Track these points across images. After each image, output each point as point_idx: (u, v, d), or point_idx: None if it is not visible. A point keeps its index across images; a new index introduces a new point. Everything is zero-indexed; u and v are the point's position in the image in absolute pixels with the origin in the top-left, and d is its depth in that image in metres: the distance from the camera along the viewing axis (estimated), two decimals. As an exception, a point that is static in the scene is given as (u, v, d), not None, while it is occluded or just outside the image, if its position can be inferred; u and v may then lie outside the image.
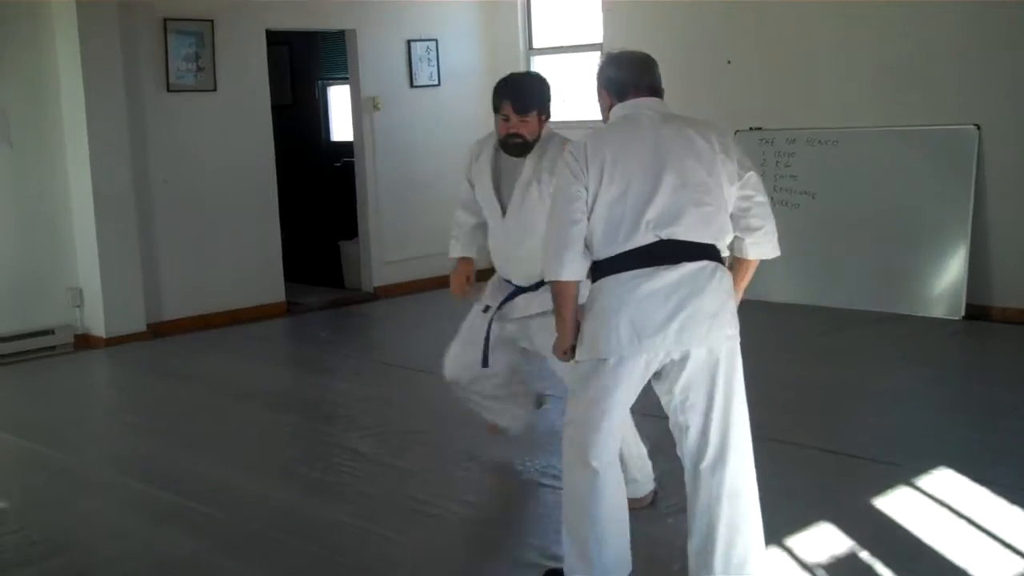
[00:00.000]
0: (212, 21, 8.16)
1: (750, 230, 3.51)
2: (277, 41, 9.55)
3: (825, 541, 3.95)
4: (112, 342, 7.64)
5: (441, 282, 9.07)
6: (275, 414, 6.09)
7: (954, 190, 7.46)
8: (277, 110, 8.97)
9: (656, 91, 3.52)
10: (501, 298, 4.38)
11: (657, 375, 3.39)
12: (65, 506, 4.69)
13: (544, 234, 3.42)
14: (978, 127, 7.36)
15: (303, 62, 11.19)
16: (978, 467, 4.60)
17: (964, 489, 4.40)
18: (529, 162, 4.30)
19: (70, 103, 7.55)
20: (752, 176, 3.50)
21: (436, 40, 9.60)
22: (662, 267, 3.25)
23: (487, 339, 4.34)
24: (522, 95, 4.28)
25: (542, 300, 4.11)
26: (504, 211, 4.34)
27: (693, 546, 3.44)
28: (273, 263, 8.70)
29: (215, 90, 8.24)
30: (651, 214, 3.25)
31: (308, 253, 10.01)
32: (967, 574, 3.68)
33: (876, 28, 7.75)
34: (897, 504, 4.27)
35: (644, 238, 3.25)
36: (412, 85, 9.48)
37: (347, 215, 9.60)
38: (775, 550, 3.87)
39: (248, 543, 4.21)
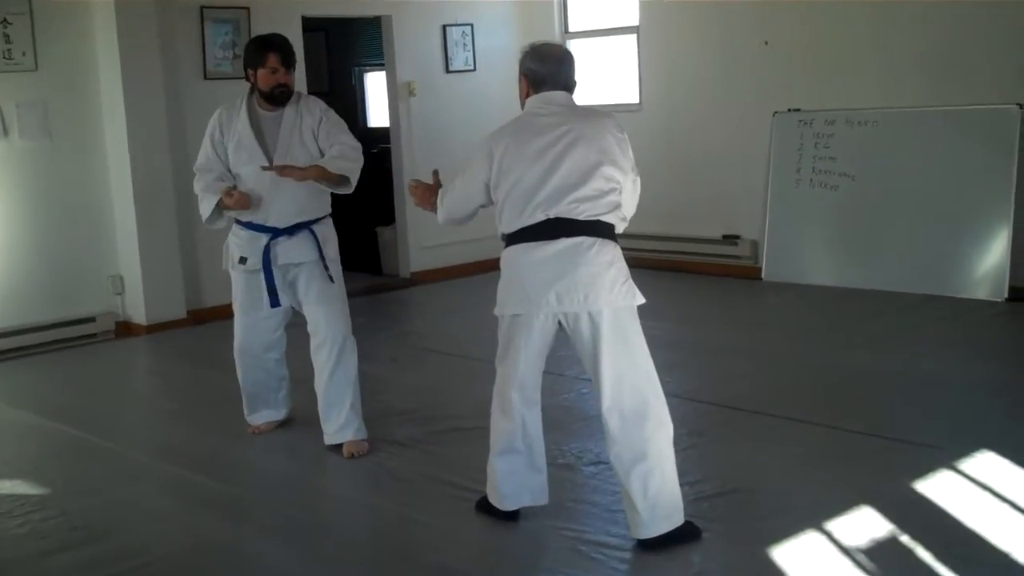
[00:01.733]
0: (248, 8, 8.19)
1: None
2: (313, 28, 9.56)
3: (866, 525, 3.91)
4: (152, 329, 7.70)
5: (478, 267, 9.10)
6: (311, 400, 6.10)
7: (996, 171, 7.36)
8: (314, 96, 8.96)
9: (568, 87, 3.93)
10: (257, 248, 4.93)
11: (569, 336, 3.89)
12: (106, 492, 4.73)
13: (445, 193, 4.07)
14: (1020, 106, 7.24)
15: (339, 48, 11.20)
16: (1022, 450, 4.54)
17: (1007, 473, 4.35)
18: (289, 110, 4.92)
19: (109, 93, 7.61)
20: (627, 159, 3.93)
21: (472, 25, 9.58)
22: (544, 242, 3.76)
23: (269, 278, 4.94)
24: (288, 50, 4.89)
25: (302, 248, 4.99)
26: (271, 158, 4.83)
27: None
28: (311, 249, 8.71)
29: (252, 77, 8.25)
30: (539, 197, 3.76)
31: (345, 239, 9.94)
32: (1010, 558, 3.63)
33: (916, 7, 7.64)
34: (940, 488, 4.22)
35: (533, 217, 3.77)
36: (448, 70, 9.47)
37: (384, 201, 9.61)
38: (816, 533, 3.84)
39: (287, 528, 4.23)
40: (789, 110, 8.30)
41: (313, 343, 5.06)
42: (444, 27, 9.44)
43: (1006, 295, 7.25)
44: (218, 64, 8.10)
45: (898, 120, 7.82)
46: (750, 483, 4.39)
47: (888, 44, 7.81)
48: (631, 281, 3.88)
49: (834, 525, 3.91)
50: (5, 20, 7.17)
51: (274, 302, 5.00)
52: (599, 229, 3.81)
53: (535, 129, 3.83)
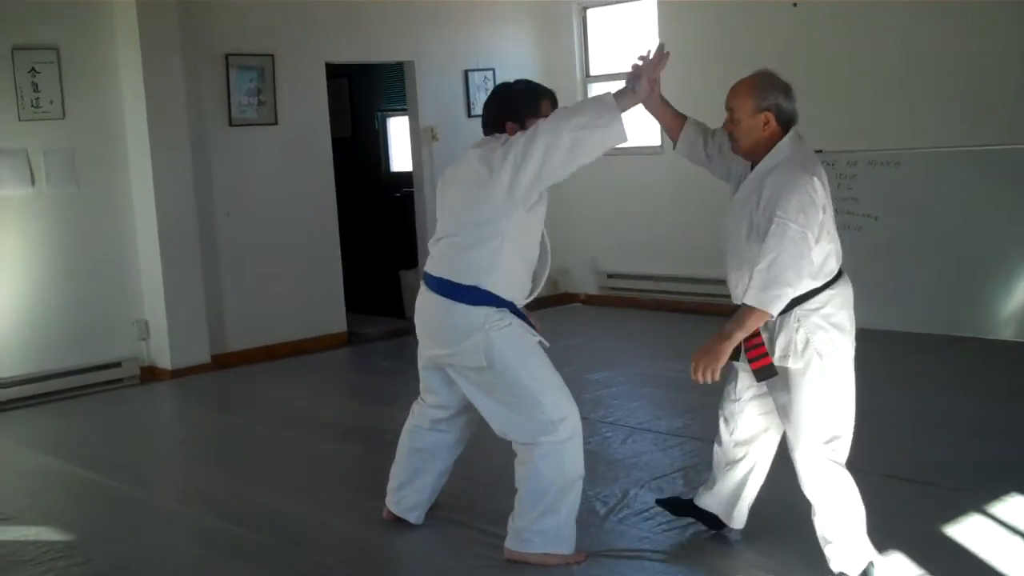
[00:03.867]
0: (273, 56, 8.28)
1: None
2: (337, 74, 9.66)
3: (894, 569, 3.87)
4: (177, 374, 7.74)
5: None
6: (337, 444, 6.11)
7: (1020, 211, 7.29)
8: (337, 142, 9.06)
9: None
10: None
11: None
12: (131, 539, 4.74)
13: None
14: (1045, 146, 7.22)
15: (362, 94, 11.31)
16: (1052, 493, 4.49)
17: (1038, 516, 4.30)
18: None
19: (135, 139, 7.70)
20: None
21: (493, 69, 9.65)
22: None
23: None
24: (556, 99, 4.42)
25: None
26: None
27: None
28: (334, 293, 8.77)
29: (276, 123, 8.35)
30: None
31: (369, 283, 10.08)
32: (1042, 604, 3.59)
33: (938, 48, 7.65)
34: (968, 531, 4.18)
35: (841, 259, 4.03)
36: (470, 115, 9.53)
37: (407, 245, 9.65)
38: (843, 580, 3.80)
39: (312, 574, 4.22)
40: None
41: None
42: (466, 72, 9.52)
43: (1033, 335, 7.20)
44: (243, 111, 8.18)
45: (921, 161, 7.80)
46: (775, 527, 4.35)
47: (911, 85, 7.82)
48: None
49: (862, 570, 3.86)
50: (33, 69, 7.27)
51: None
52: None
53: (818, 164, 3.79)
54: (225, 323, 8.13)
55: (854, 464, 4.97)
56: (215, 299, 8.06)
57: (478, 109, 9.50)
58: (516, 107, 4.19)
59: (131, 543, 4.68)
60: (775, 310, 3.63)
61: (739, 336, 3.69)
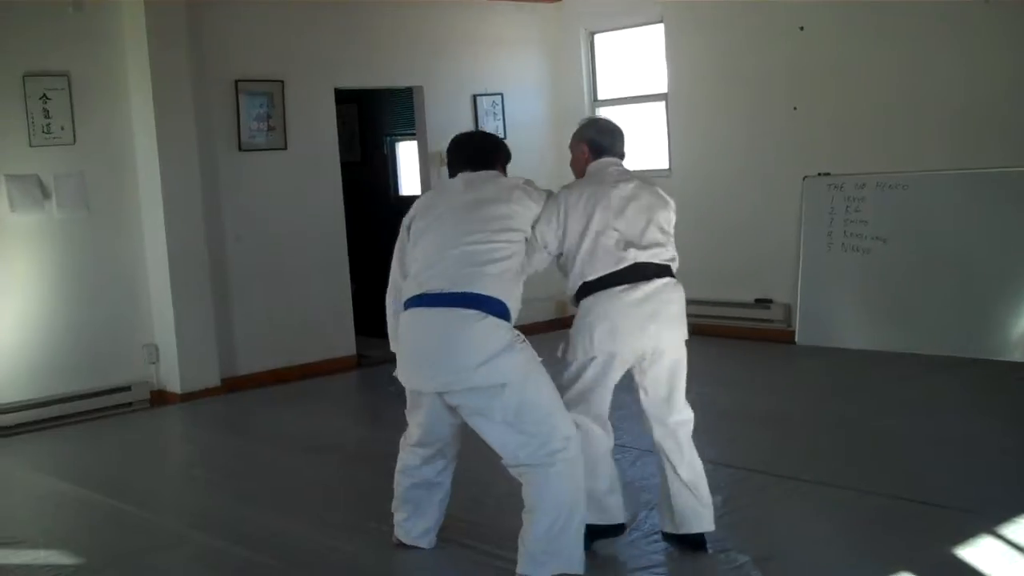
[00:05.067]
0: (282, 81, 8.33)
1: None
2: (346, 99, 9.71)
3: (905, 593, 3.86)
4: (187, 398, 7.75)
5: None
6: (346, 468, 6.11)
7: (1030, 232, 7.32)
8: (347, 166, 9.09)
9: (623, 156, 4.51)
10: None
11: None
12: (140, 562, 4.74)
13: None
14: (1053, 167, 7.23)
15: (372, 119, 11.35)
16: (1063, 515, 4.47)
17: (1049, 538, 4.28)
18: None
19: (145, 164, 7.74)
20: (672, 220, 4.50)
21: (502, 94, 9.70)
22: (638, 283, 4.29)
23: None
24: None
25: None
26: None
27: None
28: (344, 317, 8.79)
29: (286, 148, 8.39)
30: (623, 244, 4.26)
31: (378, 306, 10.05)
32: (1054, 626, 3.56)
33: (946, 70, 7.66)
34: (979, 553, 4.16)
35: (622, 263, 4.25)
36: (479, 139, 9.55)
37: (416, 268, 9.65)
38: (853, 602, 3.79)
39: (319, 597, 4.21)
40: (819, 174, 8.31)
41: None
42: (475, 97, 9.57)
43: (1043, 357, 7.18)
44: (253, 136, 8.23)
45: (929, 183, 7.82)
46: (785, 550, 4.34)
47: (918, 107, 7.83)
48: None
49: (872, 593, 3.85)
50: (45, 95, 7.33)
51: None
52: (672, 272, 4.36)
53: (608, 185, 4.28)
54: (235, 347, 8.15)
55: (862, 486, 4.98)
56: (225, 323, 8.08)
57: (487, 133, 9.56)
58: (506, 157, 4.60)
59: (140, 566, 4.68)
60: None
61: None
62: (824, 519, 4.69)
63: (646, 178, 4.48)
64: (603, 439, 4.31)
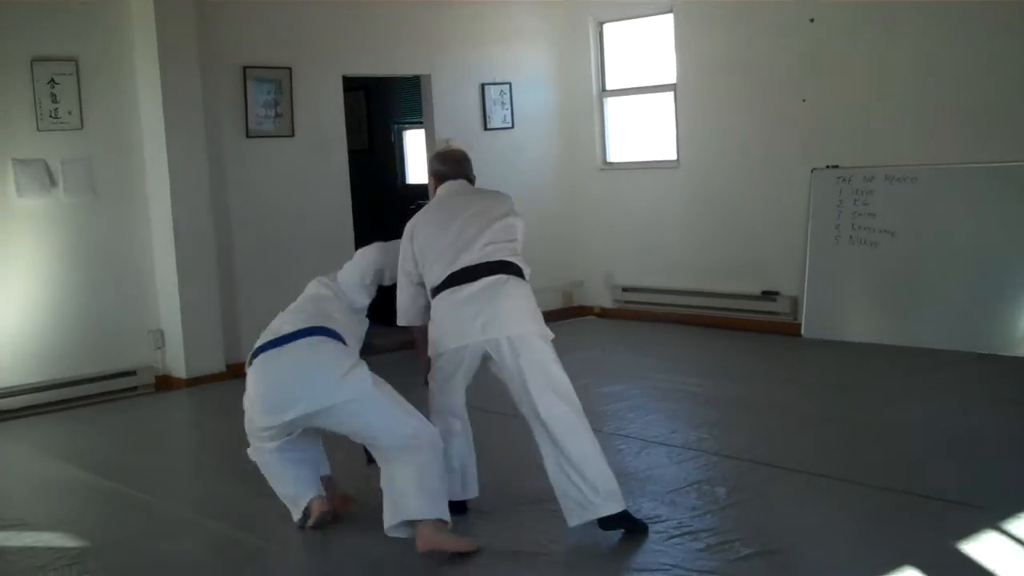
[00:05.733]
0: (290, 68, 8.32)
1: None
2: (354, 87, 9.69)
3: (909, 586, 3.85)
4: (192, 383, 7.76)
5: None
6: (347, 455, 6.09)
7: (1039, 226, 7.29)
8: (354, 154, 9.08)
9: (469, 178, 4.92)
10: None
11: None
12: (145, 546, 4.75)
13: None
14: (1063, 162, 7.20)
15: (379, 107, 11.34)
16: (1069, 511, 4.46)
17: (1055, 534, 4.27)
18: None
19: (152, 150, 7.73)
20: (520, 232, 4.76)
21: (510, 83, 9.68)
22: (467, 283, 4.52)
23: None
24: None
25: None
26: None
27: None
28: (349, 305, 8.77)
29: (293, 136, 8.39)
30: (454, 251, 4.56)
31: (384, 295, 10.06)
32: (1059, 622, 3.55)
33: (956, 62, 7.63)
34: (985, 548, 4.15)
35: (452, 267, 4.53)
36: (486, 128, 9.55)
37: (422, 257, 9.65)
38: (857, 595, 3.78)
39: (323, 584, 4.22)
40: (828, 167, 8.29)
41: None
42: (483, 85, 9.55)
43: (1050, 353, 7.16)
44: (260, 123, 8.22)
45: (938, 176, 7.79)
46: (789, 543, 4.33)
47: (927, 100, 7.80)
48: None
49: (877, 586, 3.85)
50: (53, 80, 7.33)
51: None
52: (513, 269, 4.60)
53: (437, 211, 4.74)
54: (240, 332, 8.14)
55: (868, 480, 4.97)
56: (230, 309, 8.08)
57: (495, 123, 9.59)
58: None
59: (144, 550, 4.68)
60: None
61: None
62: (829, 512, 4.69)
63: (487, 190, 4.94)
64: (455, 428, 4.71)
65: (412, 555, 4.35)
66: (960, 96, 7.63)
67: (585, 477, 4.34)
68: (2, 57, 7.20)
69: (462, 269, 4.51)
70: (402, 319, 4.94)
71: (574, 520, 4.37)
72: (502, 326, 4.42)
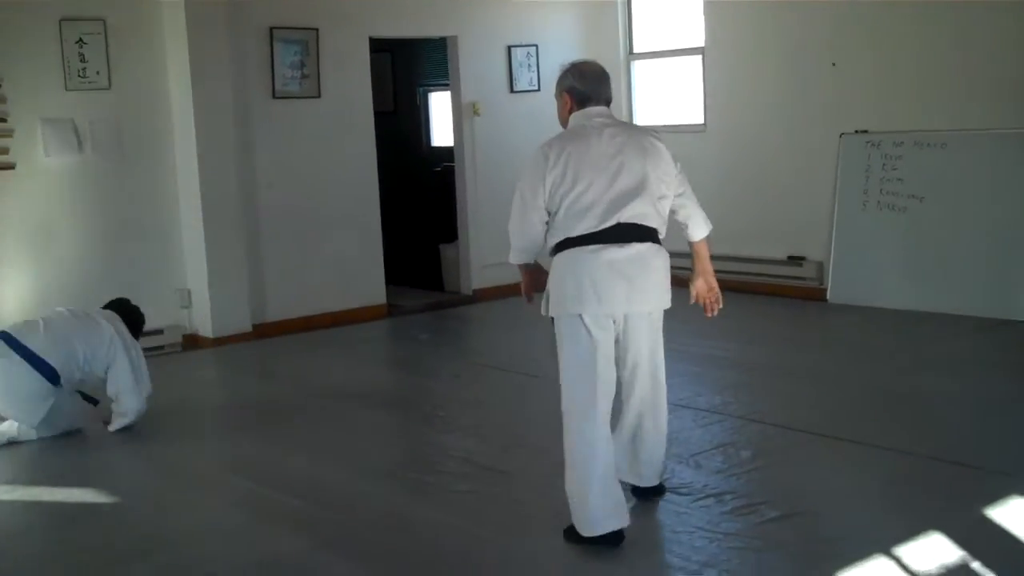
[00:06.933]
0: (317, 29, 8.30)
1: (687, 218, 4.32)
2: (380, 48, 9.66)
3: (935, 551, 3.85)
4: (218, 342, 7.81)
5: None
6: (376, 414, 6.15)
7: (1070, 193, 7.23)
8: (379, 116, 9.07)
9: (608, 102, 4.18)
10: None
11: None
12: (174, 503, 4.80)
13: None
14: (1095, 128, 7.12)
15: (405, 69, 11.30)
16: (1096, 478, 4.45)
17: (1081, 500, 4.26)
18: None
19: (180, 111, 7.75)
20: (681, 174, 4.22)
21: (536, 46, 9.63)
22: (614, 245, 3.96)
23: None
24: None
25: None
26: None
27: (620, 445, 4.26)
28: (375, 266, 8.81)
29: (319, 97, 8.38)
30: (604, 204, 3.95)
31: (409, 256, 10.11)
32: (1085, 588, 3.56)
33: (986, 29, 7.54)
34: (1010, 514, 4.15)
35: (604, 223, 3.95)
36: (512, 90, 9.52)
37: (447, 219, 9.67)
38: (883, 559, 3.79)
39: (351, 542, 4.25)
40: (856, 132, 8.23)
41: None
42: (509, 48, 9.50)
43: (1078, 320, 7.12)
44: (286, 84, 8.22)
45: (967, 142, 7.73)
46: (815, 506, 4.34)
47: (957, 65, 7.72)
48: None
49: (902, 551, 3.85)
50: (80, 40, 7.34)
51: None
52: (656, 236, 4.10)
53: (586, 143, 4.01)
54: (266, 293, 8.19)
55: (896, 445, 4.97)
56: (256, 269, 8.12)
57: (521, 85, 9.54)
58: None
59: (174, 508, 4.74)
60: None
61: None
62: (855, 477, 4.69)
63: (635, 126, 4.33)
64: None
65: (446, 515, 4.39)
66: (990, 62, 7.55)
67: (652, 457, 4.36)
68: (31, 17, 7.21)
69: (614, 226, 3.96)
70: (524, 255, 4.20)
71: (642, 483, 4.41)
72: (648, 299, 4.06)
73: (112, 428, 5.78)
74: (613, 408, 4.11)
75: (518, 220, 4.10)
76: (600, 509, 3.97)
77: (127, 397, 5.76)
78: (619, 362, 4.15)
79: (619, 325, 4.07)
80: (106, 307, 6.10)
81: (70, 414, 5.79)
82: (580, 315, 3.97)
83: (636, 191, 3.98)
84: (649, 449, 4.36)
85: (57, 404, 5.66)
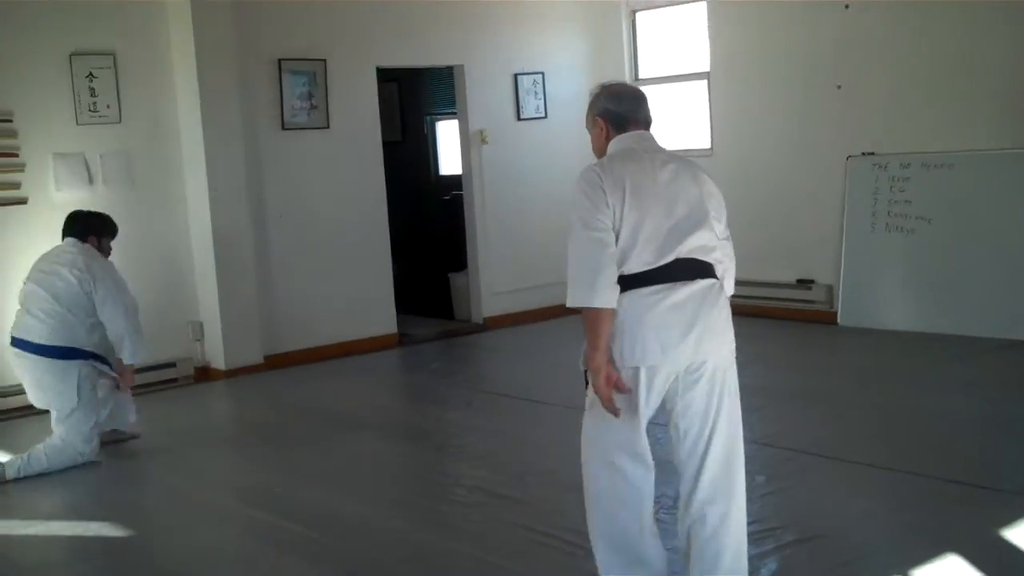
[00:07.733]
0: (324, 60, 8.36)
1: (722, 274, 3.63)
2: (387, 78, 9.72)
3: (953, 573, 3.83)
4: (231, 374, 7.83)
5: (549, 312, 9.11)
6: (388, 444, 6.16)
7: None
8: (388, 145, 9.12)
9: (648, 124, 3.68)
10: None
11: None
12: (188, 535, 4.81)
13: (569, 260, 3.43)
14: (1103, 147, 7.13)
15: (412, 98, 11.37)
16: (1112, 498, 4.43)
17: (1098, 521, 4.25)
18: None
19: (190, 143, 7.80)
20: (724, 214, 3.68)
21: (542, 73, 9.68)
22: (679, 283, 3.40)
23: None
24: None
25: None
26: None
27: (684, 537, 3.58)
28: (385, 295, 8.84)
29: (328, 127, 8.43)
30: (667, 233, 3.40)
31: (419, 285, 10.14)
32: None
33: (991, 50, 7.56)
34: (1026, 535, 4.14)
35: (663, 258, 3.38)
36: (519, 118, 9.56)
37: (456, 247, 9.70)
38: (900, 582, 3.78)
39: (364, 572, 4.25)
40: (863, 154, 8.25)
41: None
42: (515, 75, 9.55)
43: (1090, 339, 7.10)
44: (295, 115, 8.27)
45: (974, 163, 7.74)
46: (831, 530, 4.33)
47: (963, 86, 7.74)
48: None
49: (919, 573, 3.84)
50: (91, 74, 7.40)
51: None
52: (715, 272, 3.54)
53: (639, 169, 3.48)
54: (278, 324, 8.21)
55: (910, 467, 4.96)
56: (268, 301, 8.15)
57: (528, 112, 9.58)
58: None
59: (189, 539, 4.74)
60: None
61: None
62: (869, 499, 4.68)
63: (683, 157, 3.73)
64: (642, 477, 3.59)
65: (460, 545, 4.38)
66: (996, 82, 7.57)
67: (719, 560, 3.53)
68: (41, 52, 7.28)
69: (674, 262, 3.40)
70: (588, 297, 3.33)
71: None
72: (715, 346, 3.47)
73: (125, 361, 5.96)
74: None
75: (582, 251, 3.36)
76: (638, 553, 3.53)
77: (114, 323, 5.85)
78: (675, 433, 3.54)
79: (679, 383, 3.46)
80: (66, 235, 6.03)
81: (104, 399, 5.94)
82: (638, 367, 3.38)
83: (697, 221, 3.46)
84: (709, 556, 3.52)
85: (82, 380, 5.76)
